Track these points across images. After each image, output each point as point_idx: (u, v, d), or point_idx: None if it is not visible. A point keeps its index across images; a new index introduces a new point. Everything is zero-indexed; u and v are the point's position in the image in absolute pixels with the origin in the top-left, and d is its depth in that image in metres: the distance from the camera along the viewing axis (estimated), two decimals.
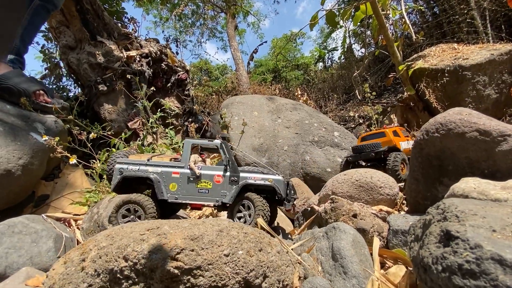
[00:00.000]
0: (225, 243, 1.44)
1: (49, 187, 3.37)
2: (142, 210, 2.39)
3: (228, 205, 2.48)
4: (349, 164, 3.51)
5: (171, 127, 5.54)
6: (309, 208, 2.46)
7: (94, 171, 3.92)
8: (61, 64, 6.69)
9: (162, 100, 5.39)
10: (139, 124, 5.46)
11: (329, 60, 23.38)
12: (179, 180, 2.53)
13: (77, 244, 2.41)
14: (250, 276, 1.37)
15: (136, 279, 1.36)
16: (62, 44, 5.68)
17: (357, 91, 11.45)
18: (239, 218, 2.43)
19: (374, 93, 7.14)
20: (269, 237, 1.70)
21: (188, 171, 2.53)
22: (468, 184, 1.58)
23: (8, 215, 2.80)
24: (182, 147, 2.79)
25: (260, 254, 1.47)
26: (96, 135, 3.70)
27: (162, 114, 5.33)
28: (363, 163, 3.56)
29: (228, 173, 2.53)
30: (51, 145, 2.82)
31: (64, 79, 6.87)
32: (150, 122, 5.01)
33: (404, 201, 2.54)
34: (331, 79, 18.42)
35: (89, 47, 5.64)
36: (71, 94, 7.13)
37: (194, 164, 2.57)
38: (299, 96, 12.93)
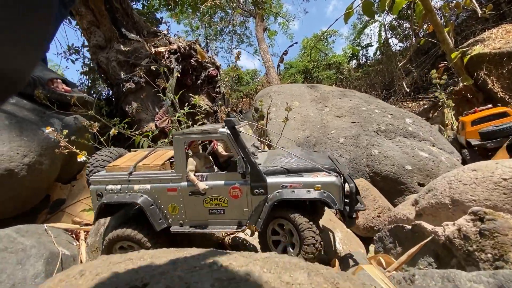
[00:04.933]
0: None
1: (65, 190, 2.96)
2: (139, 247, 1.75)
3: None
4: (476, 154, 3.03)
5: (198, 123, 5.04)
6: (406, 227, 1.61)
7: None
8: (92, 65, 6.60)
9: (191, 95, 4.92)
10: (168, 122, 5.06)
11: (363, 57, 22.08)
12: (179, 199, 1.82)
13: (80, 263, 1.87)
14: None
15: None
16: (93, 44, 5.52)
17: (404, 83, 10.26)
18: (275, 243, 1.70)
19: (445, 77, 6.05)
20: None
21: (188, 183, 1.81)
22: None
23: (20, 222, 2.37)
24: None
25: None
26: (116, 131, 3.25)
27: (190, 110, 4.85)
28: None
29: (248, 182, 1.73)
30: (57, 139, 2.37)
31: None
32: (177, 117, 4.54)
33: None
34: (367, 76, 17.27)
35: (118, 45, 5.40)
36: (103, 97, 7.03)
37: (195, 172, 1.82)
38: None
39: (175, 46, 5.91)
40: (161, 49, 5.73)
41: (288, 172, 1.74)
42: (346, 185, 1.74)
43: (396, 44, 17.90)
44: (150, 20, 8.49)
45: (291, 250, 1.62)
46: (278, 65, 20.14)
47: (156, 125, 4.99)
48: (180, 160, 1.82)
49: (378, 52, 19.56)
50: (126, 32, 5.56)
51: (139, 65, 5.30)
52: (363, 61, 21.29)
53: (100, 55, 5.37)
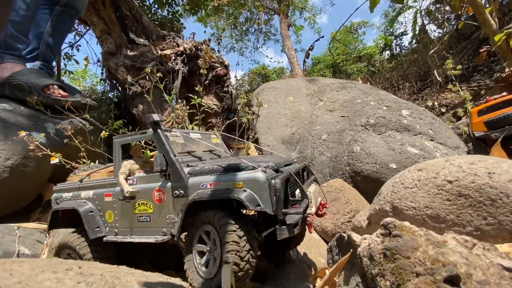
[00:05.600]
0: None
1: None
2: (78, 256, 1.70)
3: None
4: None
5: (194, 123, 5.05)
6: (346, 237, 1.33)
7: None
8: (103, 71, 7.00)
9: (191, 96, 4.94)
10: (172, 124, 5.14)
11: (397, 47, 20.62)
12: (113, 205, 1.73)
13: None
14: None
15: None
16: (104, 51, 5.83)
17: (435, 72, 9.30)
18: (201, 254, 1.50)
19: (459, 68, 5.33)
20: None
21: (121, 190, 1.71)
22: None
23: (12, 220, 2.54)
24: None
25: None
26: (107, 134, 3.36)
27: (191, 111, 4.87)
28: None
29: (169, 183, 1.59)
30: (32, 143, 2.48)
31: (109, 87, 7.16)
32: (175, 116, 4.59)
33: None
34: (401, 66, 16.06)
35: (126, 51, 5.64)
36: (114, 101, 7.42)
37: (128, 176, 1.74)
38: None
39: (181, 48, 6.01)
40: (168, 51, 5.86)
41: (215, 171, 1.55)
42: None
43: (435, 31, 16.36)
44: (175, 25, 8.75)
45: (212, 264, 1.40)
46: (304, 61, 19.66)
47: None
48: (117, 164, 1.78)
49: (414, 41, 18.10)
50: (135, 37, 5.78)
51: (145, 68, 5.48)
52: (396, 52, 19.86)
53: (110, 61, 5.64)
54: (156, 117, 1.74)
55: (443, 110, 9.81)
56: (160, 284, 1.24)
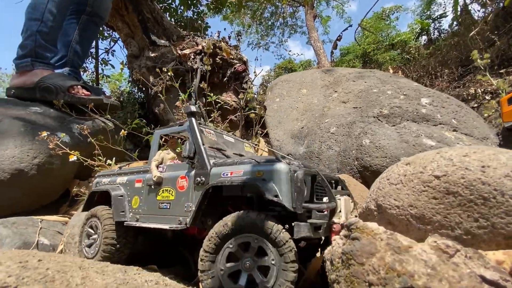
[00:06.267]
0: None
1: (83, 186, 3.34)
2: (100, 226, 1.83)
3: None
4: None
5: (210, 120, 5.10)
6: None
7: None
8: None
9: (208, 94, 5.00)
10: None
11: (435, 31, 18.93)
12: (141, 191, 1.82)
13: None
14: None
15: None
16: (129, 54, 6.13)
17: (476, 56, 8.38)
18: (232, 273, 1.31)
19: (487, 56, 4.61)
20: None
21: (151, 176, 1.79)
22: None
23: (40, 214, 2.79)
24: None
25: None
26: (126, 132, 3.53)
27: (208, 108, 4.95)
28: None
29: (193, 171, 1.61)
30: (52, 142, 2.67)
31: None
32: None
33: None
34: (439, 52, 14.72)
35: (148, 52, 5.87)
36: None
37: (160, 164, 1.83)
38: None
39: (200, 47, 6.10)
40: (187, 51, 5.99)
41: (238, 163, 1.53)
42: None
43: (478, 11, 14.74)
44: (199, 25, 8.94)
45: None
46: (332, 53, 18.96)
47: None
48: (153, 152, 1.90)
49: (455, 23, 16.45)
50: (156, 39, 5.99)
51: (165, 68, 5.66)
52: (434, 36, 18.23)
53: (134, 63, 5.92)
54: (193, 108, 1.84)
55: (487, 97, 8.86)
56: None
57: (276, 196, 1.26)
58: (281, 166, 1.33)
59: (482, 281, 0.67)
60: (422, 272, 0.69)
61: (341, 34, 19.53)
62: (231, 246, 1.27)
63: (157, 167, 1.84)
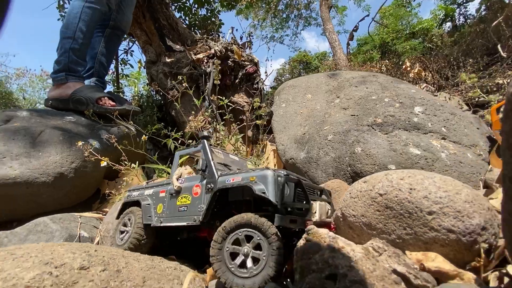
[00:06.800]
0: None
1: (111, 185, 3.79)
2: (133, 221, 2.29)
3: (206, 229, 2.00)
4: None
5: (222, 123, 5.39)
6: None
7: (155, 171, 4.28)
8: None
9: (219, 97, 5.28)
10: (205, 123, 5.59)
11: (461, 17, 17.80)
12: (164, 199, 2.25)
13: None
14: None
15: None
16: (147, 60, 6.54)
17: (499, 46, 8.02)
18: (233, 260, 1.60)
19: (472, 76, 4.41)
20: None
21: (172, 187, 2.24)
22: None
23: (77, 210, 3.25)
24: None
25: None
26: (146, 137, 3.92)
27: (220, 111, 5.24)
28: None
29: (205, 181, 2.03)
30: (87, 150, 3.09)
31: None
32: (207, 115, 5.02)
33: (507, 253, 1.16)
34: (464, 40, 13.92)
35: (164, 58, 6.24)
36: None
37: (179, 177, 2.25)
38: (408, 68, 10.32)
39: (213, 51, 6.39)
40: (200, 55, 6.30)
41: (238, 173, 1.93)
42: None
43: None
44: (213, 23, 9.19)
45: (253, 270, 1.49)
46: (348, 44, 18.53)
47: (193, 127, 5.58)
48: (174, 169, 2.38)
49: (483, 8, 15.45)
50: (172, 44, 6.35)
51: (180, 73, 6.01)
52: (460, 22, 17.18)
53: (152, 69, 6.32)
54: (205, 133, 2.31)
55: None
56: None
57: (264, 193, 1.65)
58: (269, 172, 1.72)
59: (391, 273, 0.93)
60: (345, 264, 0.98)
61: (357, 25, 18.91)
62: (240, 234, 1.63)
63: (177, 179, 2.26)
